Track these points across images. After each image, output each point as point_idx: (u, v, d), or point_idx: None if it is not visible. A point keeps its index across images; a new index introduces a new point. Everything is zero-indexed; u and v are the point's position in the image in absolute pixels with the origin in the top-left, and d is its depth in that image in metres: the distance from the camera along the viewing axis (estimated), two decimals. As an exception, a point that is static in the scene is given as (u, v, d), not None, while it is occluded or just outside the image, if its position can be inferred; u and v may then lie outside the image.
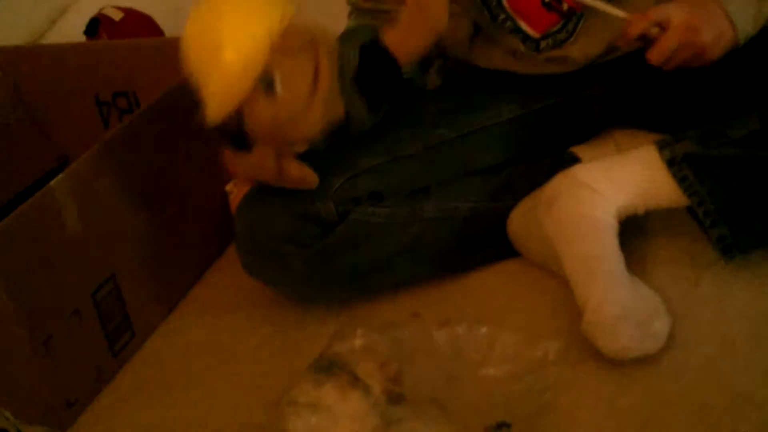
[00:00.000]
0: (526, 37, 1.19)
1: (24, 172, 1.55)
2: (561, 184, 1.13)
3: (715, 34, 1.08)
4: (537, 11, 1.16)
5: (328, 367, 0.97)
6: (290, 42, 0.97)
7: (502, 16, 1.18)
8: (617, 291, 1.03)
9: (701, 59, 1.09)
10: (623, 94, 1.26)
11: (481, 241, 1.21)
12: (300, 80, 0.99)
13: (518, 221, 1.20)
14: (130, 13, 1.94)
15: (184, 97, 1.29)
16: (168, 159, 1.29)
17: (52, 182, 1.09)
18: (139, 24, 1.94)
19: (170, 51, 1.45)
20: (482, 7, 1.19)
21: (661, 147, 1.10)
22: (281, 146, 1.03)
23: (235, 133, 1.02)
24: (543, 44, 1.20)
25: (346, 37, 1.13)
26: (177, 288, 1.32)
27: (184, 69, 1.00)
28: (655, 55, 1.08)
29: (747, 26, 1.09)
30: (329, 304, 1.20)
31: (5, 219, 1.04)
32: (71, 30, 2.04)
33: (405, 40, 1.08)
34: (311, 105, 1.00)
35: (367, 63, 1.06)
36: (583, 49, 1.20)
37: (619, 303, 1.02)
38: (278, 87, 0.97)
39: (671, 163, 1.08)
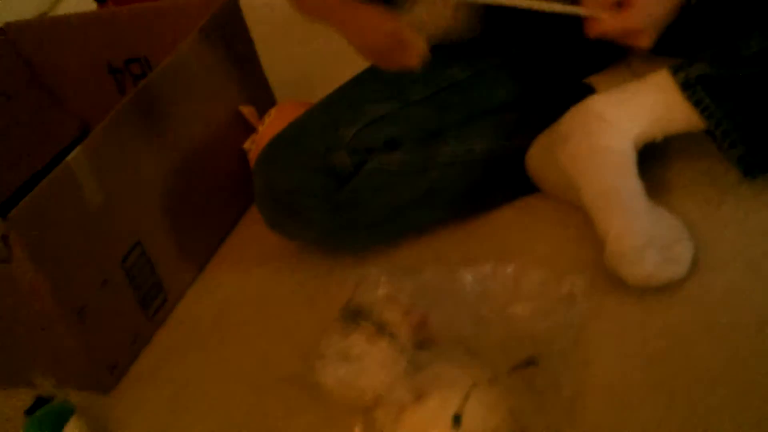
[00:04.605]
0: None
1: (47, 144, 1.56)
2: (575, 118, 1.12)
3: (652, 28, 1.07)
4: None
5: (353, 318, 0.98)
6: None
7: None
8: (637, 220, 1.03)
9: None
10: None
11: (500, 181, 1.21)
12: None
13: (537, 156, 1.19)
14: (137, -24, 1.93)
15: (196, 58, 1.30)
16: (184, 121, 1.30)
17: (69, 157, 1.10)
18: (147, -14, 1.93)
19: (179, 12, 1.46)
20: None
21: (675, 71, 1.08)
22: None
23: None
24: None
25: None
26: (204, 248, 1.34)
27: None
28: (590, 32, 1.08)
29: None
30: (354, 250, 1.21)
31: (28, 195, 1.05)
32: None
33: None
34: None
35: None
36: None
37: (641, 231, 1.02)
38: None
39: (686, 87, 1.07)
